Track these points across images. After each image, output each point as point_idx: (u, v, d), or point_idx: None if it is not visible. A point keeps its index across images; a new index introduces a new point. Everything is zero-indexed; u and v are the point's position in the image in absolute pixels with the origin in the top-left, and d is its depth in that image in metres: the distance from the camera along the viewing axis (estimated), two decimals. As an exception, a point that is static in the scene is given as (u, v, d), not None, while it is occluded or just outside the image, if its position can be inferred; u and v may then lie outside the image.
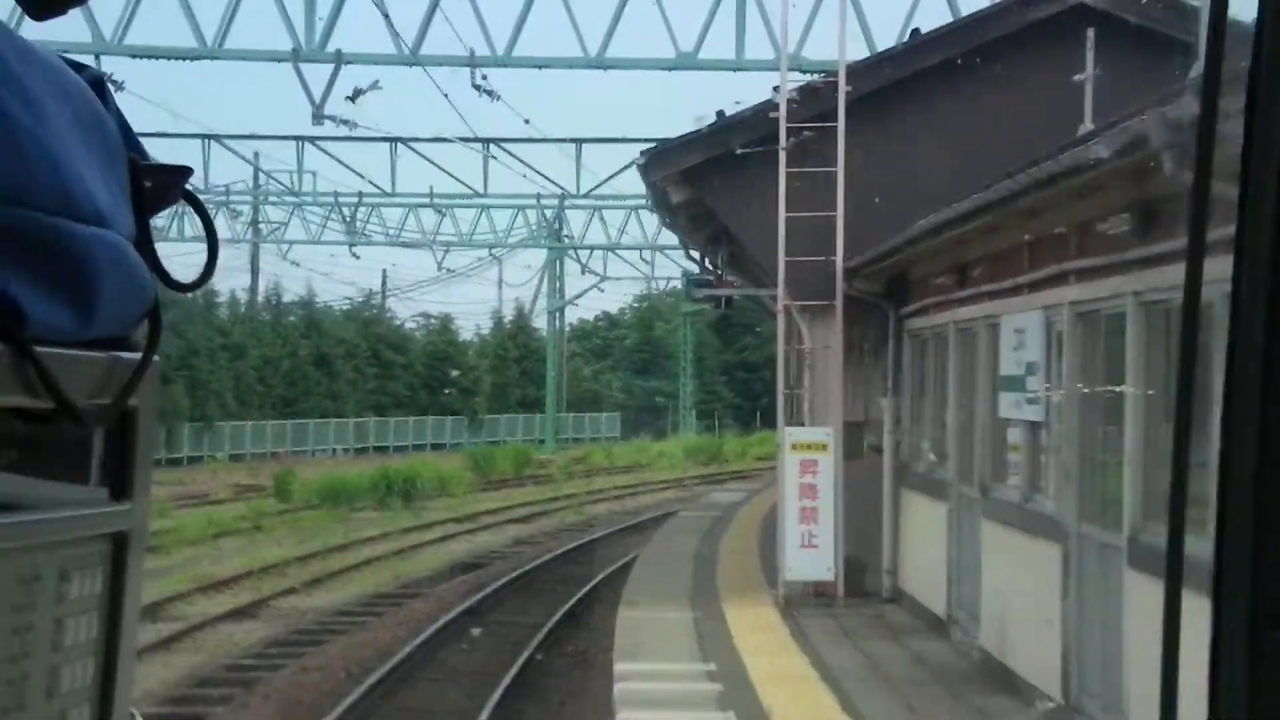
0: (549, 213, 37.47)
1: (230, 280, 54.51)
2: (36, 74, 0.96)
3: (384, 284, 63.51)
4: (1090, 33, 12.28)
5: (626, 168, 14.92)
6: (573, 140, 30.34)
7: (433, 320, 64.52)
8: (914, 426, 13.48)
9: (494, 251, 42.57)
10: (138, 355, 1.06)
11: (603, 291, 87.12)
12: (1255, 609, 1.07)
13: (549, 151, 62.65)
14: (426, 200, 36.79)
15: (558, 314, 55.32)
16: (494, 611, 20.24)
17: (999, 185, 8.98)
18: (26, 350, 0.92)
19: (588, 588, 20.84)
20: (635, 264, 47.31)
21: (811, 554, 13.60)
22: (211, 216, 1.17)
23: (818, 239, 13.82)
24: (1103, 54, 12.12)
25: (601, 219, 40.42)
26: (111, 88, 1.08)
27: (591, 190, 31.75)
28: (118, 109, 1.08)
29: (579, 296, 50.18)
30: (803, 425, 14.06)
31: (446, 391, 59.44)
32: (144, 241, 1.07)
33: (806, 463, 13.60)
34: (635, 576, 17.32)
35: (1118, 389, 8.04)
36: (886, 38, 19.56)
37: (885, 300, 13.77)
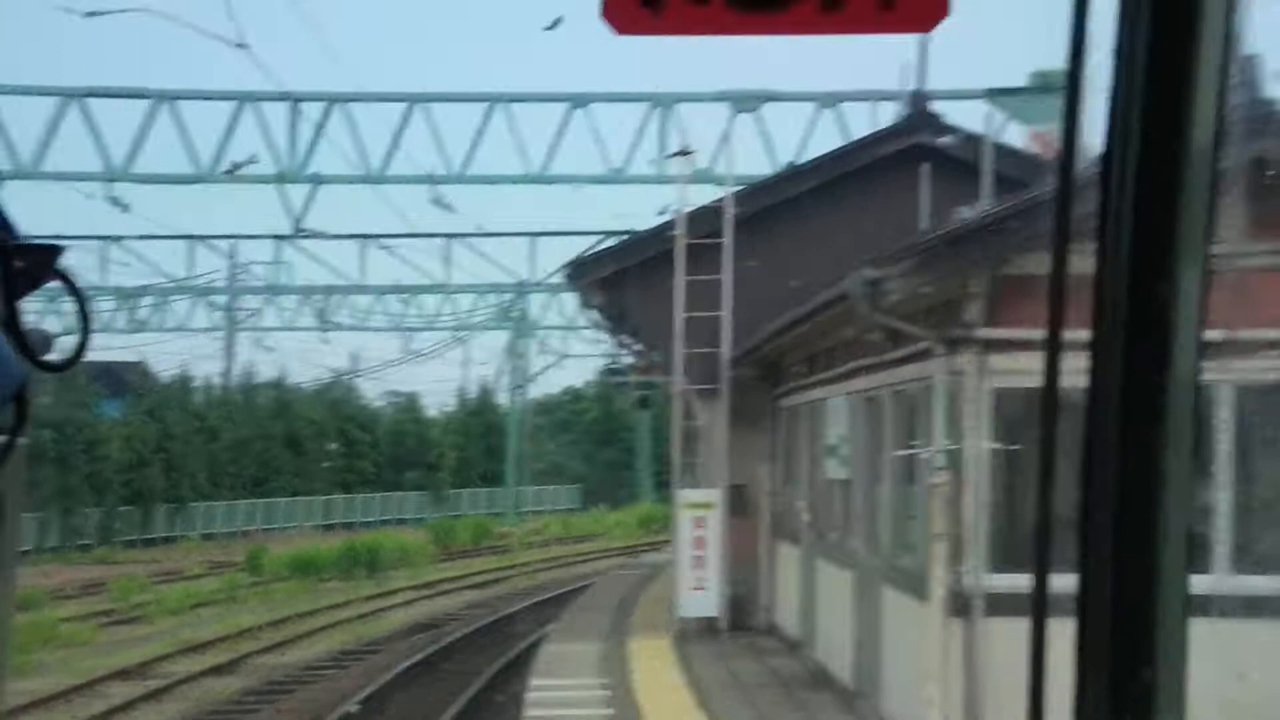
0: (507, 297, 40.57)
1: (206, 366, 57.33)
2: None
3: (353, 364, 66.39)
4: (925, 166, 15.49)
5: (574, 261, 17.71)
6: (526, 234, 33.47)
7: (399, 398, 67.36)
8: (785, 486, 16.52)
9: (457, 334, 45.55)
10: (3, 438, 1.03)
11: (562, 369, 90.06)
12: (1117, 650, 1.11)
13: (513, 244, 66.11)
14: (391, 287, 39.91)
15: (519, 392, 58.31)
16: (445, 662, 23.06)
17: (793, 310, 12.08)
18: None
19: (529, 641, 23.68)
20: (592, 342, 50.44)
21: (701, 595, 16.56)
22: (85, 296, 1.16)
23: (711, 333, 16.91)
24: (934, 178, 15.30)
25: (559, 302, 43.56)
26: None
27: (545, 279, 34.85)
28: None
29: (539, 374, 53.24)
30: (697, 488, 17.09)
31: (409, 473, 62.12)
32: (12, 323, 1.06)
33: (698, 519, 16.60)
34: (562, 621, 20.27)
35: (879, 454, 11.08)
36: (787, 152, 22.85)
37: (763, 383, 16.85)
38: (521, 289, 37.44)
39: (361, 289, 38.00)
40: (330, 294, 39.21)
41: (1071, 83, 1.08)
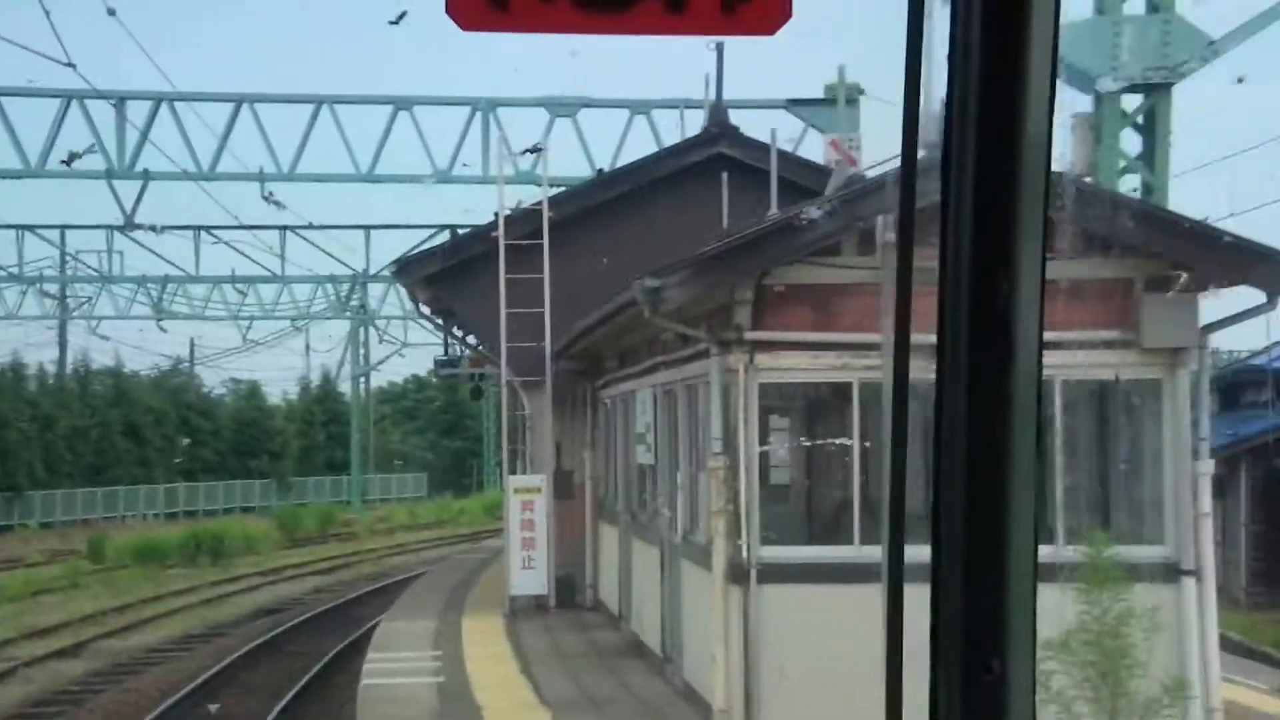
0: (344, 287, 41.28)
1: (38, 354, 56.66)
2: None
3: (191, 352, 66.17)
4: (724, 174, 16.94)
5: (400, 259, 18.65)
6: (359, 227, 34.35)
7: (241, 385, 67.35)
8: (605, 472, 17.90)
9: (296, 323, 46.10)
10: None
11: (404, 357, 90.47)
12: (968, 650, 1.17)
13: (348, 237, 66.58)
14: (228, 278, 40.37)
15: (361, 380, 58.86)
16: (290, 644, 23.98)
17: (601, 308, 13.46)
18: None
19: (372, 623, 24.73)
20: (433, 331, 51.29)
21: (530, 574, 17.87)
22: None
23: (535, 328, 18.19)
24: (733, 185, 16.75)
25: (398, 291, 44.38)
26: None
27: (380, 270, 35.70)
28: None
29: (381, 363, 53.92)
30: (524, 474, 18.39)
31: (252, 461, 62.24)
32: None
33: (526, 503, 17.90)
34: (400, 602, 21.42)
35: (676, 441, 12.50)
36: (603, 157, 24.26)
37: (583, 375, 18.19)
38: (357, 279, 38.23)
39: (197, 279, 38.42)
40: (165, 283, 39.56)
41: (909, 89, 1.13)
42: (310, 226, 32.42)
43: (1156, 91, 18.82)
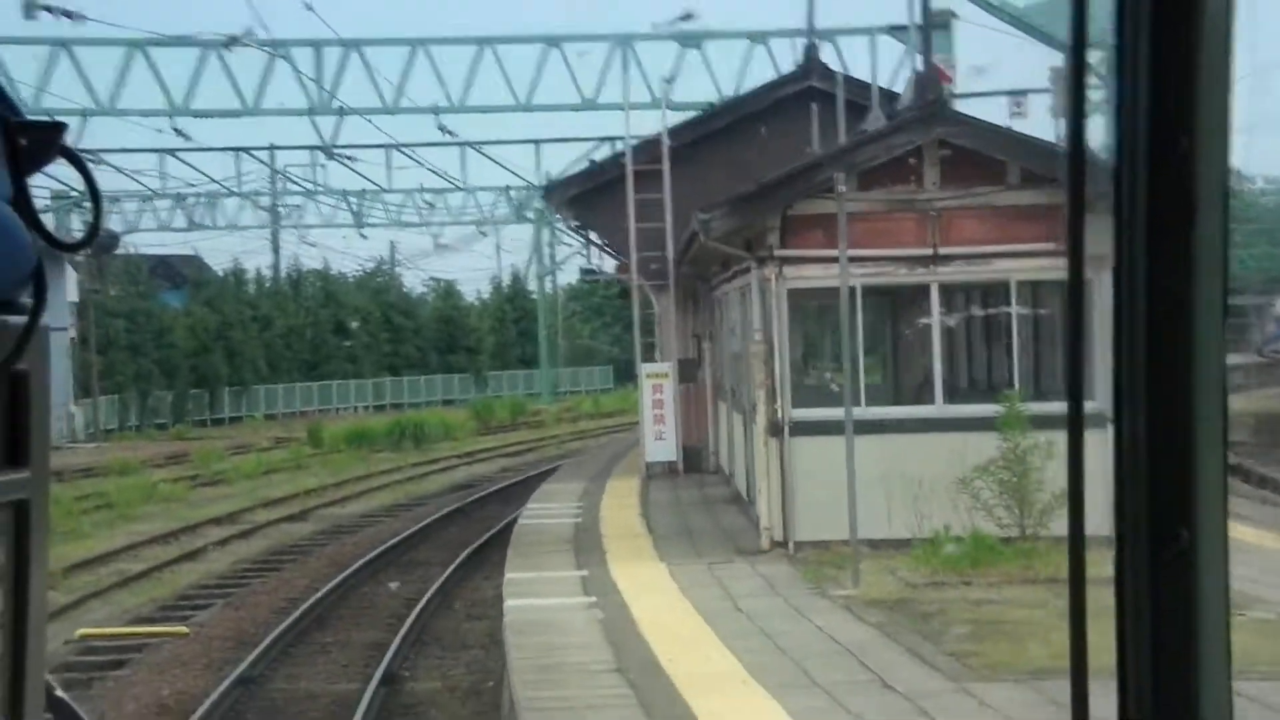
0: (519, 195, 45.82)
1: (255, 259, 62.92)
2: None
3: (392, 254, 71.98)
4: (814, 106, 20.56)
5: (546, 184, 22.54)
6: (533, 141, 38.60)
7: (440, 284, 73.03)
8: (717, 359, 21.96)
9: (481, 228, 50.87)
10: (24, 319, 1.04)
11: (585, 257, 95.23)
12: (1155, 525, 1.15)
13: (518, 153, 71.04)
14: (418, 189, 45.36)
15: (546, 279, 63.79)
16: (477, 511, 28.80)
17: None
18: None
19: (546, 490, 29.38)
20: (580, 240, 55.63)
21: (662, 444, 22.11)
22: (93, 173, 1.16)
23: (659, 239, 22.22)
24: (822, 116, 20.35)
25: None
26: None
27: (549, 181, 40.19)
28: None
29: (563, 263, 58.53)
30: (655, 362, 22.59)
31: (450, 357, 67.86)
32: (21, 200, 1.05)
33: (656, 385, 22.09)
34: (561, 470, 26.02)
35: (745, 332, 16.48)
36: (728, 84, 27.82)
37: (699, 279, 22.19)
38: (531, 188, 42.58)
39: (391, 191, 43.45)
40: (363, 195, 44.70)
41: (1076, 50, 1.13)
42: (486, 142, 36.82)
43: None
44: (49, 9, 23.30)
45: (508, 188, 40.62)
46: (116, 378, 52.37)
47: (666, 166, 21.85)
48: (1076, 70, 1.16)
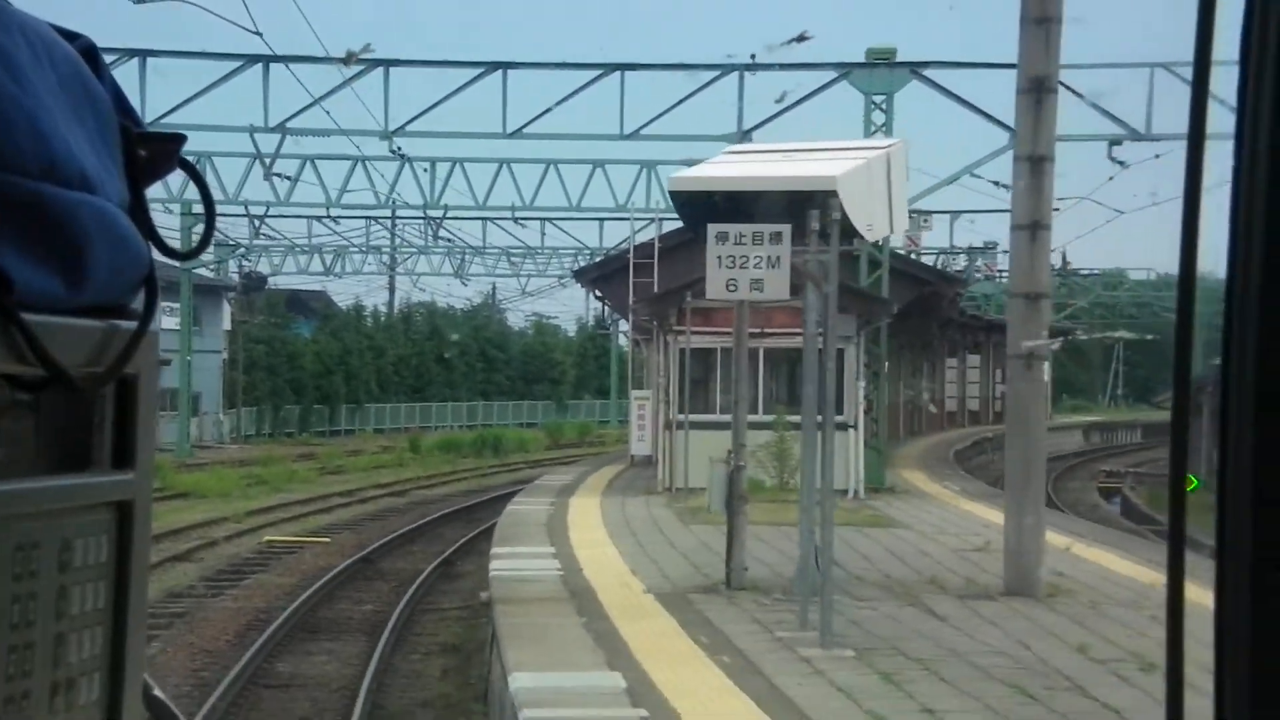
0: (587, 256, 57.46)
1: (373, 297, 75.09)
2: (19, 41, 1.00)
3: (493, 295, 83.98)
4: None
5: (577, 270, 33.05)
6: (594, 218, 50.09)
7: (540, 319, 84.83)
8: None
9: (561, 280, 62.42)
10: (135, 324, 1.09)
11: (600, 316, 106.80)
12: (1258, 570, 1.11)
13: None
14: (508, 248, 57.14)
15: (618, 320, 75.10)
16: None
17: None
18: (13, 316, 0.95)
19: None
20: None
21: (641, 443, 33.21)
22: (208, 186, 1.23)
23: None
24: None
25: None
26: (105, 57, 1.12)
27: (614, 247, 51.52)
28: (111, 78, 1.12)
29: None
30: (640, 389, 33.78)
31: (536, 385, 79.58)
32: (139, 209, 1.10)
33: (640, 404, 33.24)
34: (584, 464, 37.38)
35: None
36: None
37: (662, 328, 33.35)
38: (595, 251, 54.05)
39: (485, 249, 55.38)
40: (465, 251, 56.64)
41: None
42: (565, 215, 48.14)
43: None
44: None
45: (577, 253, 52.08)
46: (255, 393, 64.71)
47: (656, 260, 33.07)
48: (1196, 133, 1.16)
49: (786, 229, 11.98)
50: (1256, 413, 1.13)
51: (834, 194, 11.88)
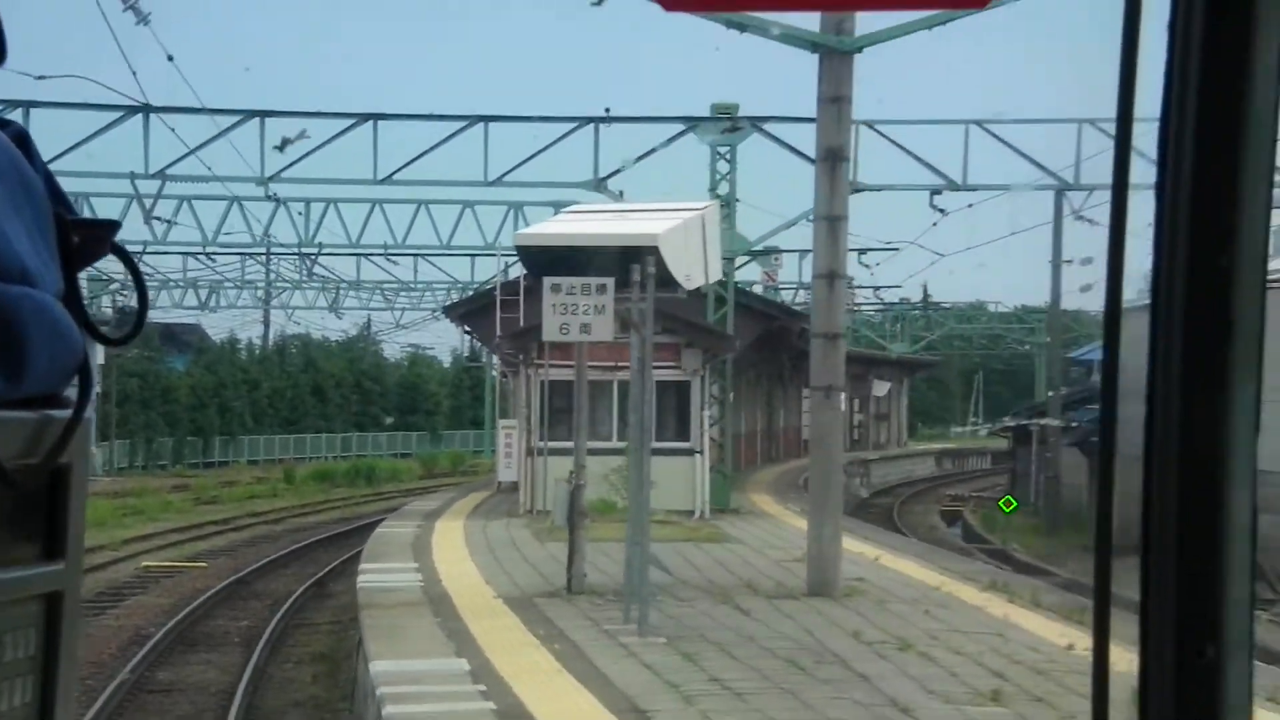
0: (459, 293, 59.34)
1: (248, 330, 76.22)
2: None
3: (368, 328, 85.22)
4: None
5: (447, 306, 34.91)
6: (468, 254, 52.24)
7: (417, 350, 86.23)
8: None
9: (435, 313, 64.12)
10: (68, 412, 1.07)
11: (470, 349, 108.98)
12: (1181, 632, 1.16)
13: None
14: (382, 283, 58.74)
15: (490, 352, 77.03)
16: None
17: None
18: None
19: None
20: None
21: (508, 470, 35.11)
22: (140, 271, 1.23)
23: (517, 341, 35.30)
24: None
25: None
26: (35, 143, 1.11)
27: (481, 285, 53.47)
28: (43, 164, 1.12)
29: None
30: (506, 418, 35.71)
31: (410, 416, 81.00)
32: (73, 297, 1.10)
33: (507, 431, 35.15)
34: (451, 493, 39.17)
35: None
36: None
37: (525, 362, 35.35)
38: (464, 286, 55.92)
39: (359, 284, 56.99)
40: (339, 286, 58.19)
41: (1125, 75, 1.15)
42: (436, 252, 49.92)
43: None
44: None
45: (450, 287, 53.98)
46: (129, 426, 65.38)
47: (521, 296, 35.04)
48: (1119, 195, 1.18)
49: (610, 281, 14.09)
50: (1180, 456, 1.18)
51: (655, 250, 14.01)
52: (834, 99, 15.45)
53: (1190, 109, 1.16)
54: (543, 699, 11.12)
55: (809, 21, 15.09)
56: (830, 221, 15.89)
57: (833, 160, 15.66)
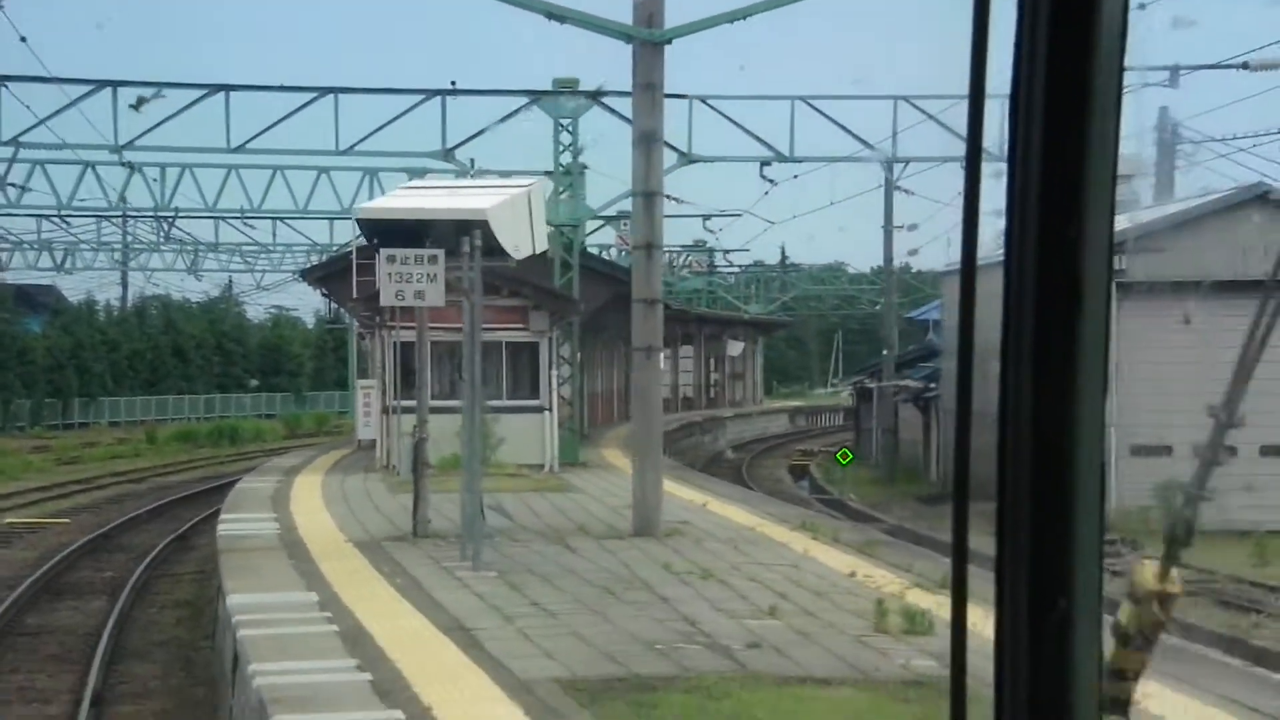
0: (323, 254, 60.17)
1: (107, 291, 75.98)
2: None
3: (229, 289, 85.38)
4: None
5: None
6: (326, 216, 53.09)
7: (281, 311, 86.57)
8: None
9: (295, 275, 64.79)
10: None
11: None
12: (1035, 593, 1.22)
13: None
14: (243, 245, 59.35)
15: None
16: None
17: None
18: None
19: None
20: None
21: (368, 428, 36.45)
22: None
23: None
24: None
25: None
26: None
27: (344, 245, 54.45)
28: None
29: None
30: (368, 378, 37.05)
31: (274, 378, 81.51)
32: None
33: (365, 392, 36.48)
34: (312, 451, 40.40)
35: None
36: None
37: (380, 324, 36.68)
38: (326, 249, 56.81)
39: (218, 246, 57.62)
40: (197, 248, 58.72)
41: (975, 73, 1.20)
42: (294, 215, 50.77)
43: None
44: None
45: (310, 250, 54.84)
46: (-17, 389, 65.22)
47: (379, 261, 36.28)
48: (972, 169, 1.23)
49: (440, 252, 15.66)
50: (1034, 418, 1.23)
51: (484, 223, 15.61)
52: (647, 85, 17.09)
53: (1038, 87, 1.22)
54: (381, 621, 12.74)
55: (624, 14, 16.69)
56: (646, 198, 17.57)
57: (647, 142, 17.33)
